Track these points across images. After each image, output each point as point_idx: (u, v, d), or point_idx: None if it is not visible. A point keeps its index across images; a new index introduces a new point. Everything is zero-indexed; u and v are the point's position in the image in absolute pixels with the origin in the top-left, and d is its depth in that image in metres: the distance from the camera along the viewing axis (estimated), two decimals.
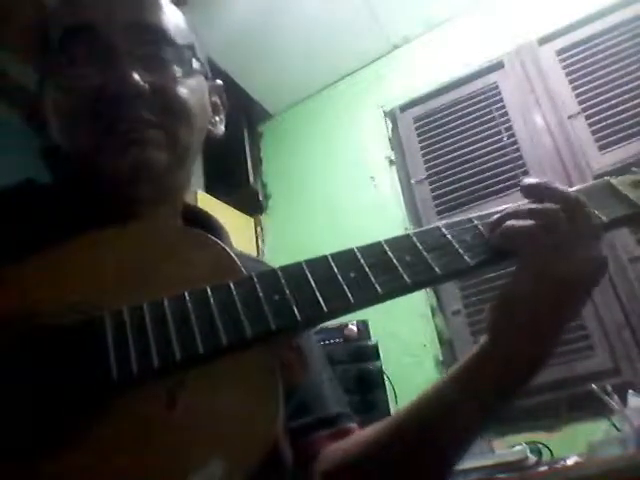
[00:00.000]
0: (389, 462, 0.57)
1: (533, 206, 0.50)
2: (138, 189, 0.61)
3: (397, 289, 0.47)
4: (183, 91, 0.62)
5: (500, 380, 0.51)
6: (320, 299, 0.45)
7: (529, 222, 0.49)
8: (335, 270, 0.47)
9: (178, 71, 0.63)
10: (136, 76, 0.58)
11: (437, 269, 0.48)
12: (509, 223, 0.50)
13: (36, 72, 0.66)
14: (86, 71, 0.60)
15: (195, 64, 0.65)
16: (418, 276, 0.47)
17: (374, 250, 0.49)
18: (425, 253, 0.49)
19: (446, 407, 0.54)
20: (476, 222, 0.52)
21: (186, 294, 0.45)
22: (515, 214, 0.51)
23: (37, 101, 0.65)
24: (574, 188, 0.54)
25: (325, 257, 0.48)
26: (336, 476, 0.61)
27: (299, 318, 0.44)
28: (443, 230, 0.51)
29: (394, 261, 0.48)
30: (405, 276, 0.47)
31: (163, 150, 0.60)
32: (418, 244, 0.49)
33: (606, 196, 0.54)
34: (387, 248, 0.49)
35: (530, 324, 0.49)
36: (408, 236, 0.50)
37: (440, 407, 0.55)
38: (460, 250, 0.49)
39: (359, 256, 0.48)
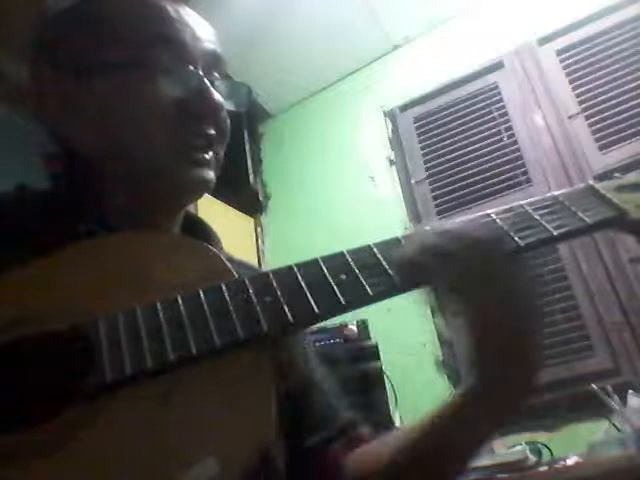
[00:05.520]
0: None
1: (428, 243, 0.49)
2: (185, 202, 0.66)
3: (387, 290, 0.47)
4: (227, 119, 0.66)
5: (492, 412, 0.53)
6: (311, 301, 0.46)
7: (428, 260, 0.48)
8: (326, 272, 0.48)
9: (228, 102, 0.66)
10: (219, 97, 0.62)
11: None
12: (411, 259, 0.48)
13: (77, 56, 0.63)
14: (170, 82, 0.61)
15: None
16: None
17: (364, 252, 0.49)
18: None
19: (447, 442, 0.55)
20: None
21: (179, 297, 0.46)
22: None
23: (68, 87, 0.62)
24: (555, 193, 0.55)
25: (316, 260, 0.49)
26: None
27: (291, 320, 0.45)
28: None
29: (384, 263, 0.48)
30: (395, 277, 0.47)
31: (213, 170, 0.64)
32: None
33: (590, 200, 0.54)
34: (376, 250, 0.49)
35: (501, 360, 0.49)
36: (397, 239, 0.51)
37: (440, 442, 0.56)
38: None
39: (349, 259, 0.49)
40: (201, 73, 0.62)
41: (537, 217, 0.51)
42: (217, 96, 0.62)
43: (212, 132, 0.63)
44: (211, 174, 0.63)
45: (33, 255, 0.50)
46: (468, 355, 0.50)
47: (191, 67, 0.62)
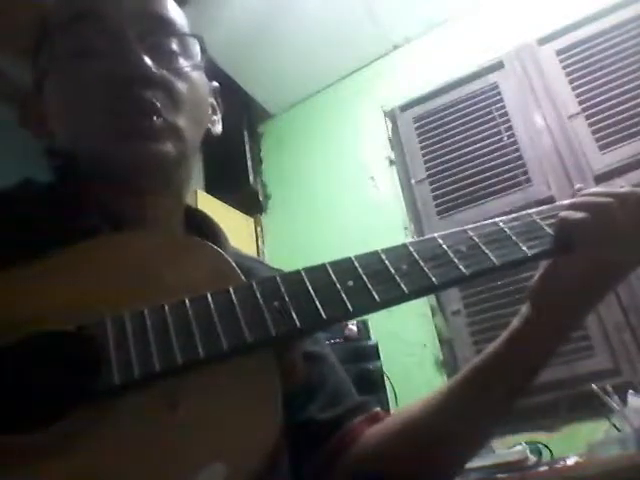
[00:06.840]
0: (428, 441, 0.61)
1: (586, 199, 0.53)
2: (144, 180, 0.61)
3: (394, 298, 0.47)
4: (186, 87, 0.62)
5: (542, 345, 0.56)
6: (319, 307, 0.46)
7: (582, 214, 0.52)
8: (333, 278, 0.48)
9: (184, 64, 0.63)
10: (149, 61, 0.58)
11: (433, 278, 0.48)
12: (564, 214, 0.53)
13: (35, 69, 0.66)
14: (95, 57, 0.59)
15: (200, 58, 0.66)
16: (415, 285, 0.48)
17: (371, 259, 0.50)
18: (422, 262, 0.49)
19: (492, 376, 0.58)
20: (471, 233, 0.53)
21: (187, 300, 0.46)
22: (571, 206, 0.54)
23: (35, 101, 0.65)
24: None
25: (324, 265, 0.49)
26: (378, 456, 0.62)
27: (299, 325, 0.45)
28: (439, 240, 0.52)
29: (391, 270, 0.48)
30: (402, 285, 0.48)
31: (169, 141, 0.60)
32: (415, 254, 0.50)
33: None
34: (384, 257, 0.50)
35: (574, 298, 0.54)
36: (405, 246, 0.51)
37: (487, 377, 0.58)
38: (455, 260, 0.50)
39: (357, 265, 0.49)
40: (129, 38, 0.59)
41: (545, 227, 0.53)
42: (142, 58, 0.58)
43: (149, 97, 0.58)
44: (158, 145, 0.59)
45: (40, 248, 0.50)
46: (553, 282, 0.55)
47: (115, 36, 0.59)
